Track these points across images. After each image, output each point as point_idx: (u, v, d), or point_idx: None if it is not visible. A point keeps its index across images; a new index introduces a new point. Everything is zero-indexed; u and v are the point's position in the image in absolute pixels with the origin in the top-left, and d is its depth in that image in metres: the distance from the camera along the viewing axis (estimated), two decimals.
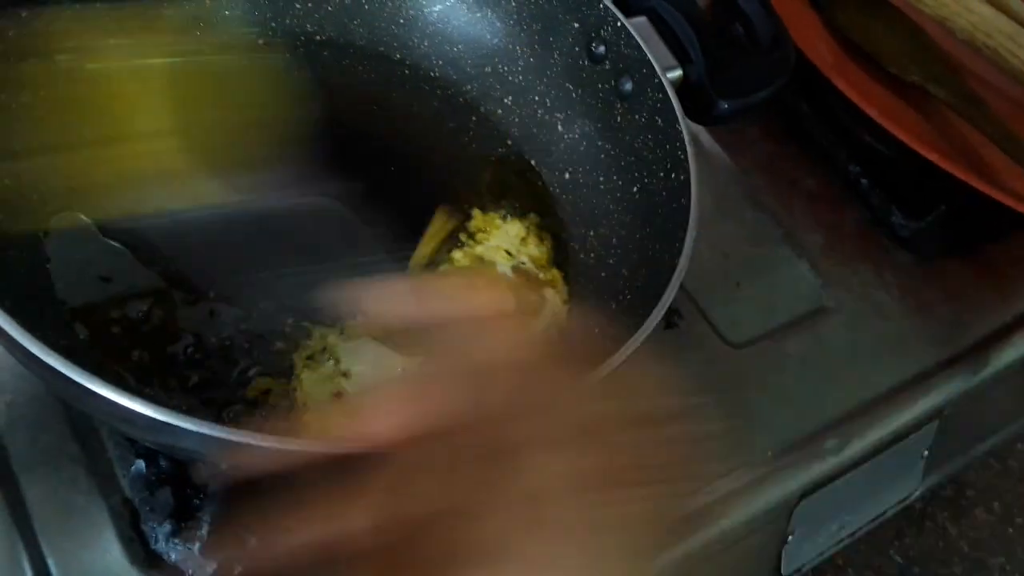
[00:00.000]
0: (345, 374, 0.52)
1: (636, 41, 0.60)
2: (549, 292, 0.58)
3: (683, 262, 0.50)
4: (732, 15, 0.65)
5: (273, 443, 0.38)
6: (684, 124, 0.57)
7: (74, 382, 0.37)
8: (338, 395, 0.51)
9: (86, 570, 0.48)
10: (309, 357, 0.52)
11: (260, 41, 0.65)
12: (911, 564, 0.78)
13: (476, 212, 0.61)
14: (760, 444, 0.63)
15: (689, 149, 0.55)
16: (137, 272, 0.52)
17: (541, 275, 0.59)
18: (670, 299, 0.49)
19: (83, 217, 0.53)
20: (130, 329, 0.50)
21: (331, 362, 0.52)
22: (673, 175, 0.56)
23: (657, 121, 0.59)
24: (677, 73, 0.61)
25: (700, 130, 0.78)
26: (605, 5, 0.61)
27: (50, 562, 0.48)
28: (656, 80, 0.59)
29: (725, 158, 0.78)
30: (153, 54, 0.59)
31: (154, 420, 0.37)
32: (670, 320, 0.65)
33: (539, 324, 0.56)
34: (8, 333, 0.38)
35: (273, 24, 0.65)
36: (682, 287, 0.64)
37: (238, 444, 0.38)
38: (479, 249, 0.59)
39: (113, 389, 0.37)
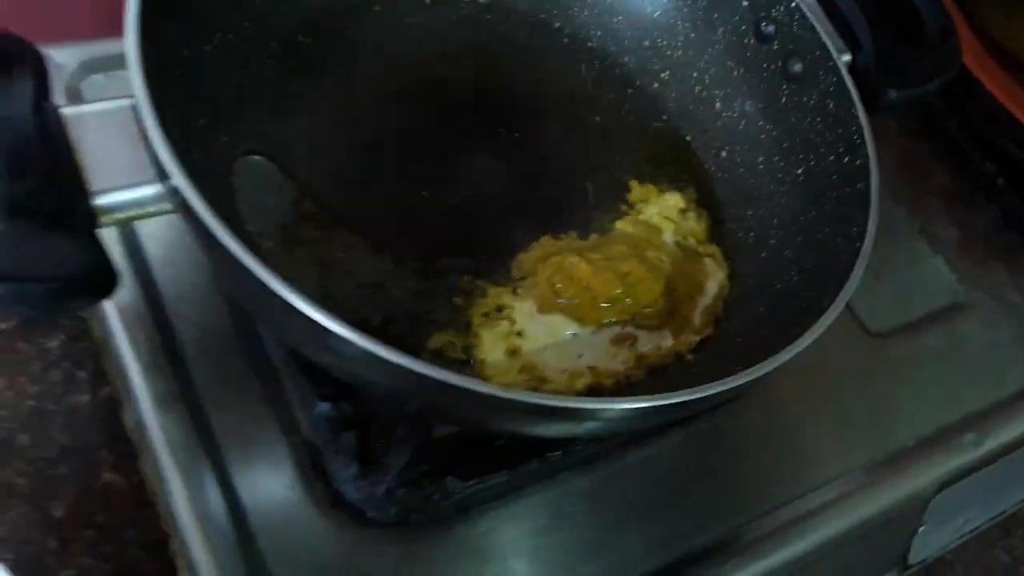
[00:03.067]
0: (519, 333, 0.52)
1: (810, 23, 0.60)
2: (712, 266, 0.59)
3: (867, 247, 0.50)
4: (900, 4, 0.65)
5: (477, 387, 0.39)
6: (861, 108, 0.56)
7: (288, 304, 0.38)
8: (513, 352, 0.52)
9: (273, 504, 0.49)
10: (484, 314, 0.53)
11: (428, 1, 0.65)
12: (1018, 564, 0.77)
13: (633, 183, 0.61)
14: (900, 434, 0.63)
15: (867, 133, 0.55)
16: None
17: (701, 249, 0.60)
18: (855, 284, 0.49)
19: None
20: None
21: (506, 321, 0.53)
22: (847, 159, 0.56)
23: (829, 104, 0.59)
24: (847, 58, 0.61)
25: None
26: None
27: (240, 493, 0.49)
28: (830, 63, 0.59)
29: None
30: None
31: (368, 353, 0.38)
32: None
33: (708, 296, 0.57)
34: (230, 250, 0.38)
35: None
36: None
37: (443, 383, 0.38)
38: (642, 217, 0.60)
39: (329, 316, 0.37)
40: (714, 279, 0.58)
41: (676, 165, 0.64)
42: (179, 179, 0.39)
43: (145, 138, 0.41)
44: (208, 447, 0.49)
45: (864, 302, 0.68)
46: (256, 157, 0.54)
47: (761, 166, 0.62)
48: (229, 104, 0.53)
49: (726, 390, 0.43)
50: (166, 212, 0.43)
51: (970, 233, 0.76)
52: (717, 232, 0.61)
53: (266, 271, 0.38)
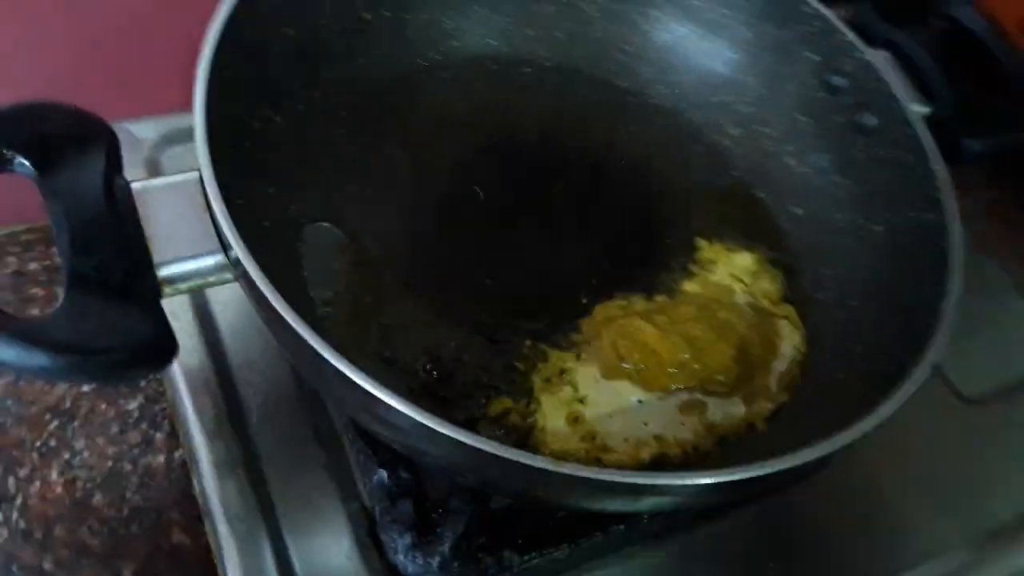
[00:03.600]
0: (582, 400, 0.51)
1: (880, 75, 0.58)
2: (787, 328, 0.57)
3: (952, 305, 0.48)
4: (978, 51, 0.63)
5: (526, 459, 0.38)
6: (940, 161, 0.54)
7: (342, 374, 0.38)
8: (575, 419, 0.50)
9: (327, 570, 0.49)
10: (547, 380, 0.52)
11: (494, 67, 0.65)
12: None
13: (703, 242, 0.60)
14: (999, 509, 0.59)
15: (945, 187, 0.53)
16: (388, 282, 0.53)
17: (775, 310, 0.58)
18: (942, 346, 0.46)
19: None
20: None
21: (568, 387, 0.52)
22: (927, 214, 0.54)
23: (904, 158, 0.56)
24: (923, 109, 0.59)
25: None
26: (846, 37, 0.59)
27: (293, 559, 0.49)
28: (904, 116, 0.57)
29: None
30: None
31: (425, 428, 0.38)
32: None
33: (783, 360, 0.55)
34: (286, 319, 0.38)
35: (507, 50, 0.66)
36: None
37: (493, 456, 0.38)
38: (712, 277, 0.58)
39: (381, 387, 0.37)
40: (790, 342, 0.56)
41: (747, 223, 0.62)
42: (239, 249, 0.40)
43: (208, 209, 0.42)
44: (266, 513, 0.50)
45: (956, 364, 0.64)
46: (323, 224, 0.54)
47: (838, 223, 0.60)
48: (296, 172, 0.54)
49: (802, 464, 0.40)
50: (228, 282, 0.43)
51: None
52: (792, 292, 0.59)
53: (321, 341, 0.38)
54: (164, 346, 0.41)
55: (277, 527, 0.50)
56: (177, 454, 0.63)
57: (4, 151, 0.41)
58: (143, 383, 0.63)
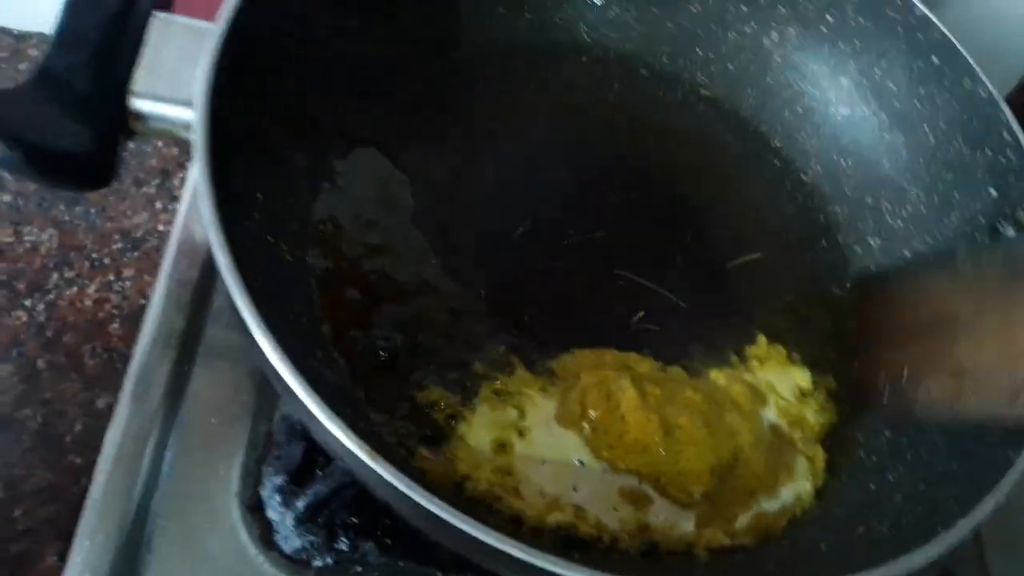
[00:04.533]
0: (521, 431, 0.45)
1: None
2: (804, 471, 0.47)
3: (964, 526, 0.37)
4: None
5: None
6: None
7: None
8: (501, 447, 0.44)
9: (197, 478, 0.47)
10: (496, 392, 0.46)
11: (643, 71, 0.59)
12: None
13: (763, 337, 0.51)
14: None
15: None
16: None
17: (801, 446, 0.48)
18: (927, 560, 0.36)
19: None
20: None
21: (514, 410, 0.45)
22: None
23: None
24: None
25: None
26: None
27: (169, 454, 0.47)
28: None
29: None
30: None
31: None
32: None
33: (775, 502, 0.45)
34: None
35: (665, 59, 0.59)
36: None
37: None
38: (748, 376, 0.49)
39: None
40: (796, 487, 0.46)
41: (829, 343, 0.52)
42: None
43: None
44: (175, 393, 0.48)
45: None
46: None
47: None
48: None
49: None
50: (191, 139, 0.41)
51: None
52: (835, 438, 0.49)
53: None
54: (95, 168, 0.39)
55: (175, 413, 0.48)
56: None
57: None
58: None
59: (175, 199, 0.73)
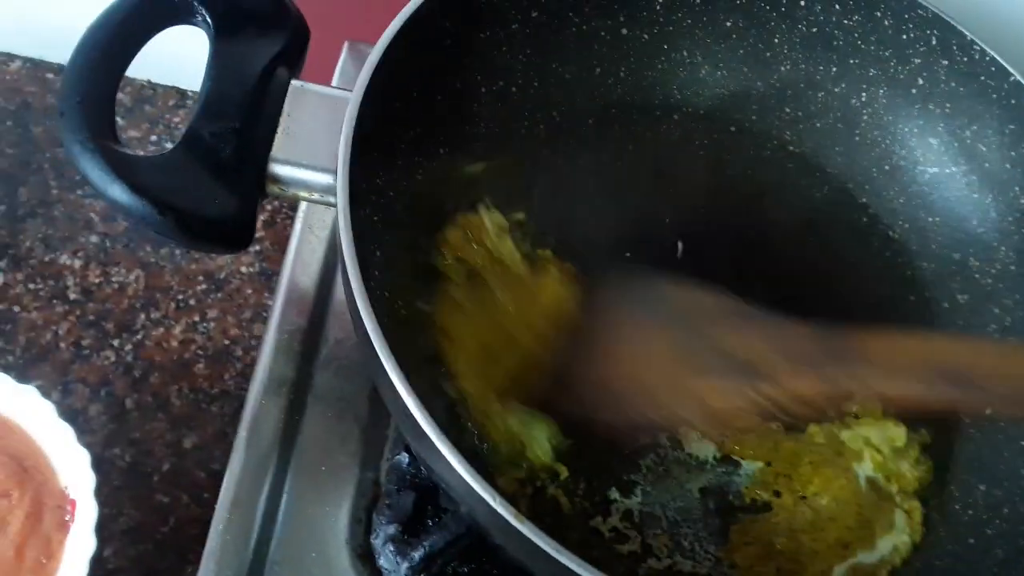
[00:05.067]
0: None
1: None
2: (902, 523, 0.48)
3: None
4: None
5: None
6: None
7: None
8: None
9: (309, 525, 0.47)
10: None
11: (732, 128, 0.61)
12: None
13: None
14: None
15: None
16: None
17: (899, 499, 0.49)
18: None
19: None
20: None
21: None
22: None
23: None
24: None
25: None
26: None
27: (283, 500, 0.48)
28: None
29: None
30: None
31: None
32: None
33: (873, 554, 0.46)
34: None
35: (754, 117, 0.61)
36: None
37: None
38: (845, 434, 0.50)
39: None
40: (894, 540, 0.47)
41: None
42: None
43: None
44: (286, 443, 0.49)
45: None
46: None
47: (1021, 446, 0.50)
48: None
49: None
50: (331, 204, 0.43)
51: None
52: (931, 492, 0.50)
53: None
54: (238, 232, 0.41)
55: (287, 460, 0.49)
56: None
57: (195, 4, 0.43)
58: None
59: (256, 241, 0.74)
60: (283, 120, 0.43)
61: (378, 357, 0.36)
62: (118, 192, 0.38)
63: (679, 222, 0.57)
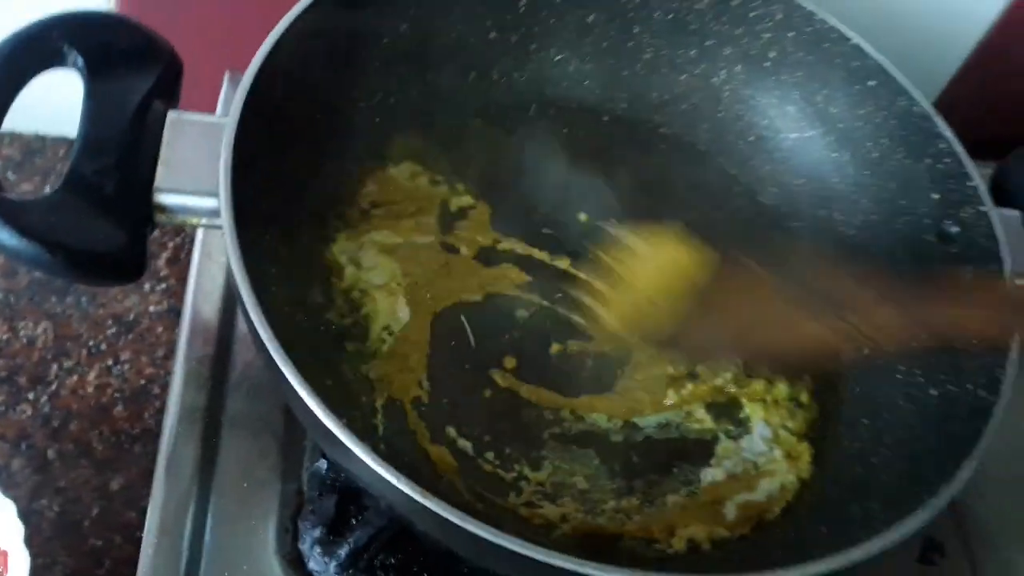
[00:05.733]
0: None
1: (993, 232, 0.52)
2: (783, 466, 0.52)
3: (946, 493, 0.42)
4: None
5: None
6: (1017, 345, 0.48)
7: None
8: None
9: (238, 542, 0.49)
10: None
11: (606, 118, 0.64)
12: None
13: None
14: None
15: (1009, 371, 0.46)
16: None
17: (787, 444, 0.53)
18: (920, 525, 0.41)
19: None
20: None
21: None
22: (982, 392, 0.47)
23: None
24: None
25: None
26: (973, 183, 0.53)
27: (209, 521, 0.49)
28: (1003, 282, 0.50)
29: None
30: None
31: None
32: (928, 555, 0.55)
33: (759, 492, 0.50)
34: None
35: (625, 105, 0.64)
36: (960, 524, 0.55)
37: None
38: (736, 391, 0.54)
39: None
40: (777, 480, 0.51)
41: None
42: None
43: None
44: (205, 465, 0.50)
45: (1000, 566, 0.56)
46: None
47: (899, 375, 0.54)
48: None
49: None
50: (216, 227, 0.44)
51: None
52: (821, 432, 0.54)
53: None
54: (128, 264, 0.43)
55: (209, 483, 0.50)
56: None
57: (65, 47, 0.44)
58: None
59: (161, 280, 0.75)
60: (163, 151, 0.44)
61: (279, 369, 0.38)
62: (6, 236, 0.39)
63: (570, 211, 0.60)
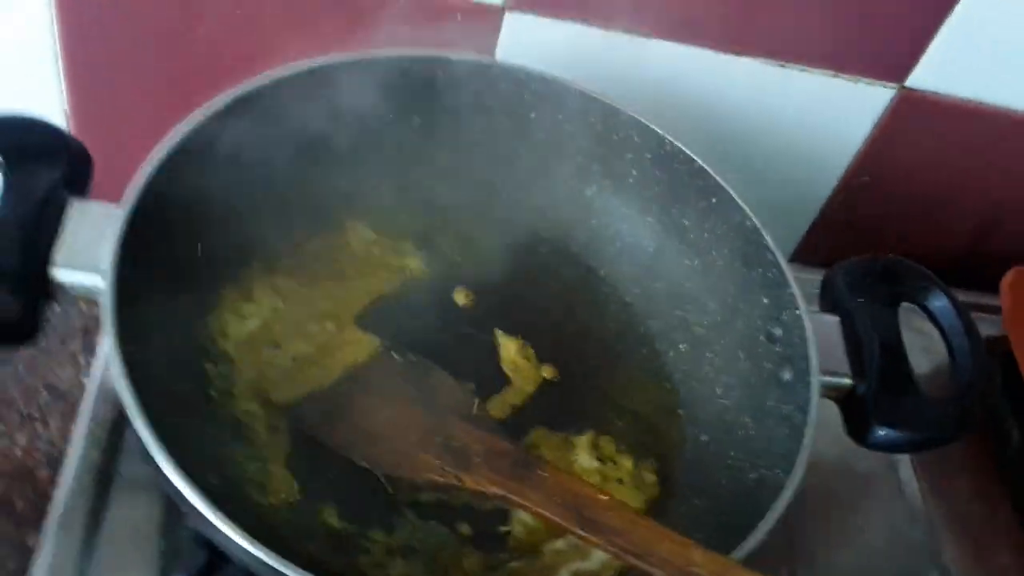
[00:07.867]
0: None
1: (806, 335, 0.58)
2: None
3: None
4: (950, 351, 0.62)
5: None
6: (810, 432, 0.54)
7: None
8: None
9: None
10: None
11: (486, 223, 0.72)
12: None
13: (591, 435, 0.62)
14: None
15: (800, 460, 0.53)
16: None
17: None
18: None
19: None
20: None
21: None
22: (781, 476, 0.53)
23: (795, 419, 0.56)
24: (844, 382, 0.59)
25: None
26: (790, 290, 0.60)
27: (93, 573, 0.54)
28: (808, 381, 0.57)
29: (916, 489, 0.72)
30: None
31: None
32: None
33: (592, 560, 0.55)
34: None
35: (506, 210, 0.72)
36: None
37: None
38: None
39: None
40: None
41: (654, 434, 0.63)
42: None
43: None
44: (93, 522, 0.56)
45: None
46: None
47: (730, 461, 0.60)
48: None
49: None
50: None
51: None
52: (659, 511, 0.59)
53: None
54: (24, 330, 0.49)
55: (96, 538, 0.56)
56: None
57: None
58: None
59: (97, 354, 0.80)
60: (64, 233, 0.51)
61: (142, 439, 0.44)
62: None
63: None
